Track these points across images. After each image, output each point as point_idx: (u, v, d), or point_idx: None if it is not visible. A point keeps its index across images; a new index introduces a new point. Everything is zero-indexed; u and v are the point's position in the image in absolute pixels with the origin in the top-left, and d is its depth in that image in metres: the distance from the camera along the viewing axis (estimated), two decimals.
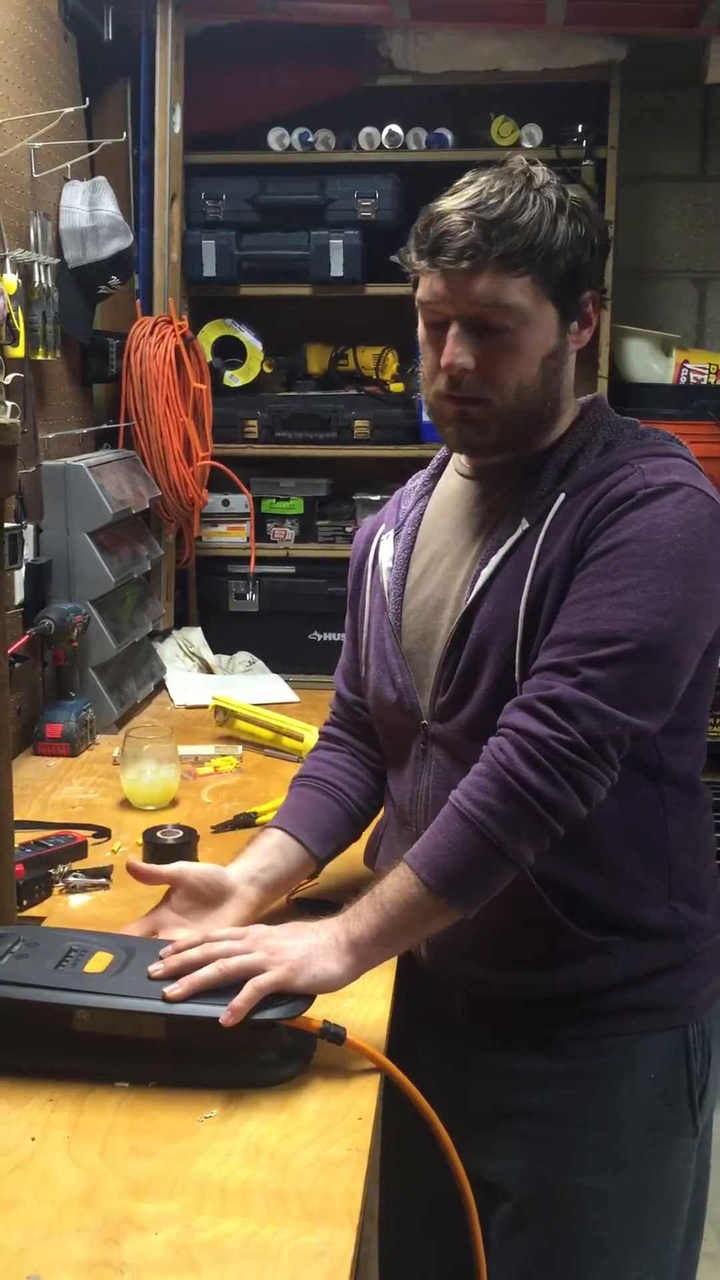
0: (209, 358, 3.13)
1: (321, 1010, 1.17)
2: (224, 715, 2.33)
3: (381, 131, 3.04)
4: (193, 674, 2.90)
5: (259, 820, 1.84)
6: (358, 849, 1.55)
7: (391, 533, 1.46)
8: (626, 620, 1.19)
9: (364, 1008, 1.28)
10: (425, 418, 3.03)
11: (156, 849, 1.67)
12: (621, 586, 1.20)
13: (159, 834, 1.70)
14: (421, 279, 1.30)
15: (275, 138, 3.08)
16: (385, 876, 1.22)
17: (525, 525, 1.30)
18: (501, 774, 1.18)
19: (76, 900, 1.58)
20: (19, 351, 2.18)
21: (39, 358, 2.33)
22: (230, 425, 3.15)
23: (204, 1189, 1.01)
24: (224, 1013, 1.12)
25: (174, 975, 1.16)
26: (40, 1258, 0.93)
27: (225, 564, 3.24)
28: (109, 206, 2.54)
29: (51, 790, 2.05)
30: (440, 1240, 1.40)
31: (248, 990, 1.13)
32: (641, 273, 3.43)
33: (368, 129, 3.05)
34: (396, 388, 3.18)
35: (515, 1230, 1.35)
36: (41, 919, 1.52)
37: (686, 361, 3.15)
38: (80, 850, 1.70)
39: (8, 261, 2.14)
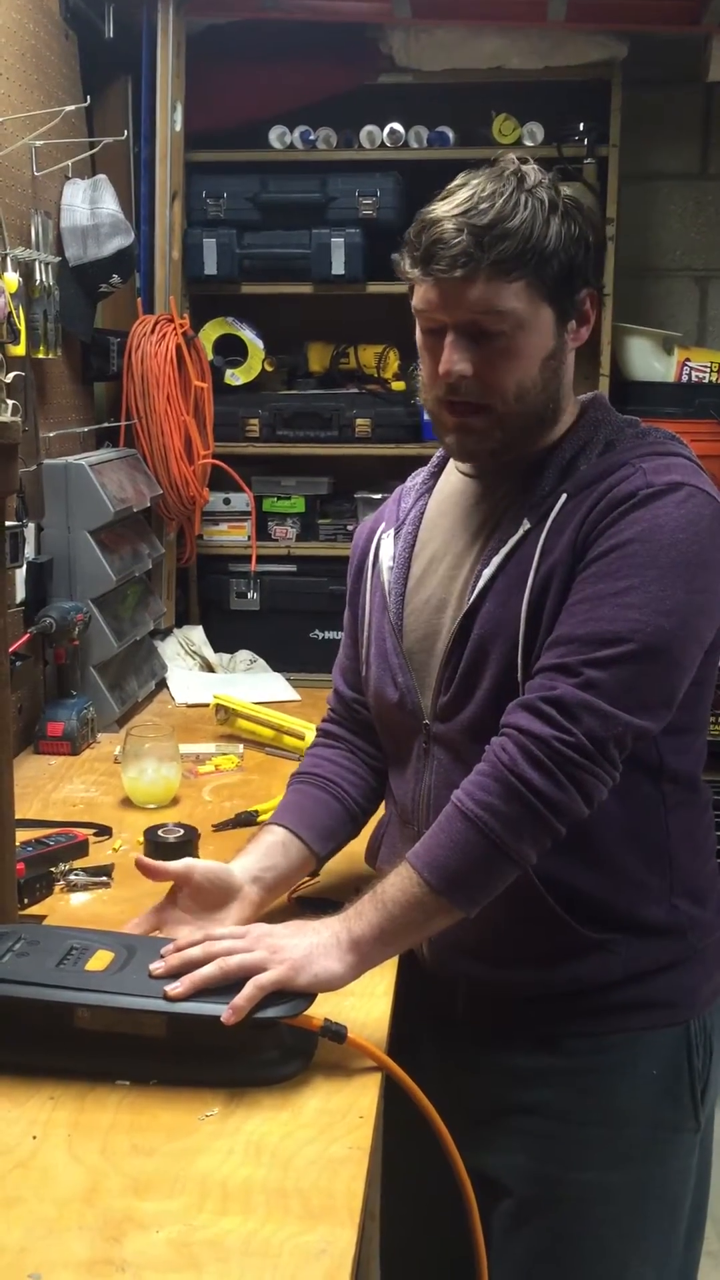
0: (210, 356, 3.13)
1: (323, 1009, 1.17)
2: (225, 714, 2.33)
3: (383, 129, 3.04)
4: (194, 672, 2.90)
5: (260, 819, 1.84)
6: (358, 847, 1.55)
7: (392, 531, 1.46)
8: (629, 621, 1.19)
9: (365, 1006, 1.28)
10: (426, 416, 3.03)
11: (157, 847, 1.67)
12: (624, 587, 1.20)
13: (160, 832, 1.70)
14: (416, 287, 1.30)
15: (276, 136, 3.08)
16: (387, 875, 1.22)
17: (527, 525, 1.29)
18: (504, 774, 1.18)
19: (77, 898, 1.59)
20: (20, 350, 2.18)
21: (40, 356, 2.33)
22: (231, 424, 3.16)
23: (205, 1187, 1.01)
24: (225, 1011, 1.12)
25: (175, 973, 1.15)
26: (41, 1256, 0.93)
27: (226, 562, 3.25)
28: (110, 205, 2.54)
29: (53, 789, 2.05)
30: (441, 1238, 1.40)
31: (249, 989, 1.13)
32: (643, 271, 3.43)
33: (369, 127, 3.05)
34: (398, 386, 3.18)
35: (517, 1227, 1.36)
36: (43, 917, 1.52)
37: (688, 360, 3.15)
38: (81, 848, 1.70)
39: (9, 260, 2.14)
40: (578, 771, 1.17)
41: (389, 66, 3.07)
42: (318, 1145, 1.07)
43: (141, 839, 1.72)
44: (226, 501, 3.20)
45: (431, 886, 1.18)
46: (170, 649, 2.95)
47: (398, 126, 3.03)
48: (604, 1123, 1.33)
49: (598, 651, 1.19)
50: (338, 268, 3.03)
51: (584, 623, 1.21)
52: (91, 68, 2.78)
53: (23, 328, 2.18)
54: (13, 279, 2.10)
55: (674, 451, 1.30)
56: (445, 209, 1.26)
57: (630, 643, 1.19)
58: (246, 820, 1.85)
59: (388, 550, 1.45)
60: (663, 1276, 1.37)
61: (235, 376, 3.22)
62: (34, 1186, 1.01)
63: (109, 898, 1.58)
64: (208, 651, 3.05)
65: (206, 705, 2.47)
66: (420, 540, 1.43)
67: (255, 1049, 1.16)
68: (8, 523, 1.41)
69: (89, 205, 2.52)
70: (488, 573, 1.31)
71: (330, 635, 3.14)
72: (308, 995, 1.16)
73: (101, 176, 2.58)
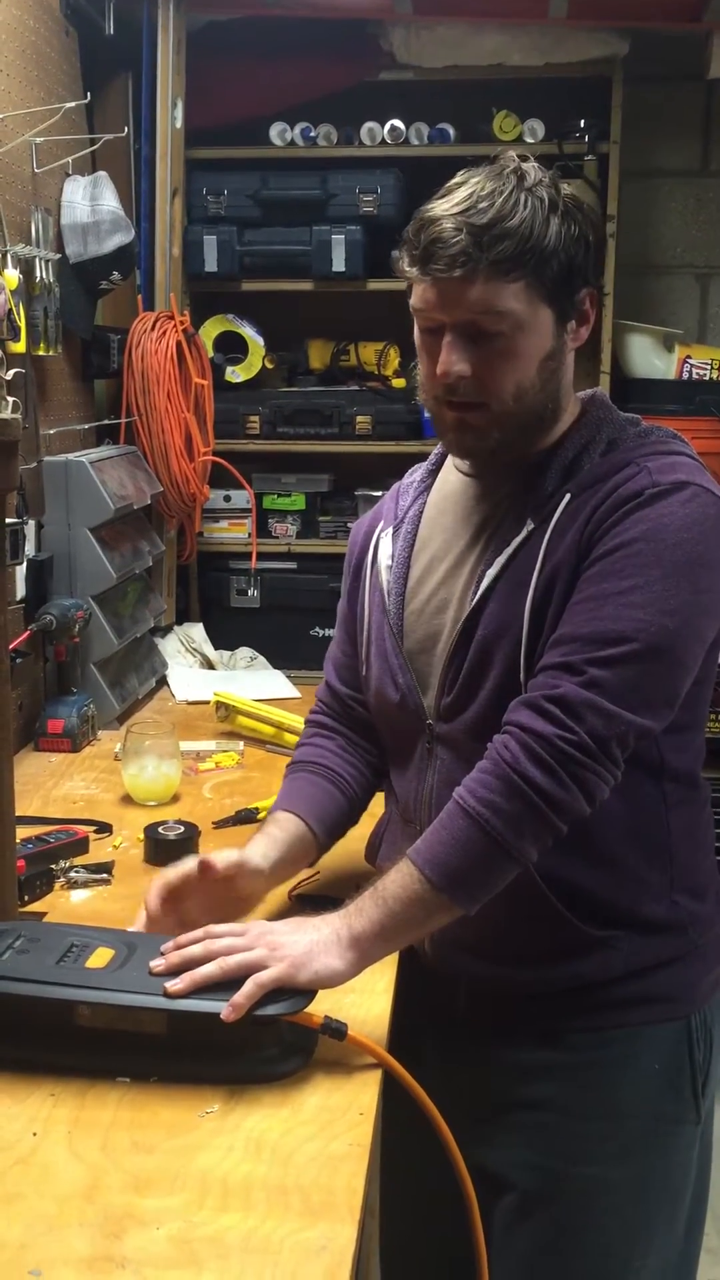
0: (210, 353, 3.13)
1: (323, 1006, 1.17)
2: (225, 711, 2.33)
3: (383, 126, 3.04)
4: (194, 669, 2.90)
5: (260, 816, 1.84)
6: (357, 845, 1.55)
7: (390, 530, 1.46)
8: (633, 620, 1.19)
9: (365, 1003, 1.28)
10: (426, 414, 3.03)
11: (158, 845, 1.68)
12: (628, 586, 1.20)
13: (160, 829, 1.70)
14: (415, 286, 1.29)
15: (277, 132, 3.07)
16: (388, 872, 1.22)
17: (530, 526, 1.29)
18: (507, 772, 1.18)
19: (78, 895, 1.59)
20: (20, 347, 2.18)
21: (40, 353, 2.33)
22: (232, 421, 3.15)
23: (205, 1184, 1.01)
24: (225, 1008, 1.12)
25: (175, 971, 1.15)
26: (41, 1252, 0.93)
27: (227, 559, 3.25)
28: (110, 202, 2.54)
29: (53, 786, 2.05)
30: (441, 1235, 1.40)
31: (249, 986, 1.13)
32: (644, 268, 3.43)
33: (369, 124, 3.05)
34: (398, 383, 3.17)
35: (520, 1220, 1.36)
36: (43, 914, 1.52)
37: (689, 357, 3.15)
38: (82, 845, 1.70)
39: (9, 256, 2.14)
40: (580, 770, 1.17)
41: (390, 63, 3.07)
42: (318, 1142, 1.07)
43: (142, 836, 1.72)
44: (227, 499, 3.20)
45: (432, 883, 1.18)
46: (171, 646, 2.95)
47: (398, 123, 3.03)
48: (606, 1117, 1.33)
49: (601, 650, 1.19)
50: (338, 265, 3.03)
51: (588, 622, 1.21)
52: (92, 64, 2.78)
53: (23, 325, 2.18)
54: (13, 276, 2.10)
55: (678, 450, 1.30)
56: (444, 207, 1.25)
57: (634, 642, 1.19)
58: (247, 817, 1.85)
59: (386, 549, 1.44)
60: (664, 1267, 1.37)
61: (235, 373, 3.22)
62: (34, 1183, 1.01)
63: (109, 895, 1.58)
64: (208, 649, 3.05)
65: (207, 702, 2.47)
66: (420, 539, 1.43)
67: (255, 1046, 1.16)
68: (8, 520, 1.41)
69: (89, 202, 2.52)
70: (491, 573, 1.30)
71: (330, 632, 3.10)
72: (308, 992, 1.16)
73: (102, 173, 2.58)
